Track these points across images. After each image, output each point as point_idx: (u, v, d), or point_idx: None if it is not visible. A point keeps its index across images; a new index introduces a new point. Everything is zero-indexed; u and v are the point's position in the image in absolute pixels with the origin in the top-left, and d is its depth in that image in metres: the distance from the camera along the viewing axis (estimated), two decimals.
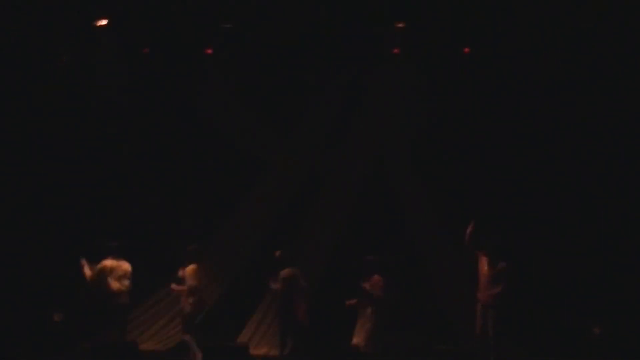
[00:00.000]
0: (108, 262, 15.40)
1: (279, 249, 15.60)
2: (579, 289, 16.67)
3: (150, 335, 17.22)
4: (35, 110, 17.39)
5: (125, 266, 15.49)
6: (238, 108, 17.91)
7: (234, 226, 17.75)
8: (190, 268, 15.37)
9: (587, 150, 16.94)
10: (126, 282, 15.44)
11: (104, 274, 15.33)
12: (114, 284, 15.34)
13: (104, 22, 17.15)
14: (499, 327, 14.82)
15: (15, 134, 17.37)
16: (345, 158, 17.86)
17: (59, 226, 17.31)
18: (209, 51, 17.63)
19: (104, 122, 17.78)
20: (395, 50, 17.47)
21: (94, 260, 15.48)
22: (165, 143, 17.95)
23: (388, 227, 17.50)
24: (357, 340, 15.30)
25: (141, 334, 17.15)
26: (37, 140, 17.45)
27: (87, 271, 15.35)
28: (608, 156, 16.88)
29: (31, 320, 16.76)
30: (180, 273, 15.46)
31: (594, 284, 16.62)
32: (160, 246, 17.00)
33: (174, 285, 15.56)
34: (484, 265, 14.98)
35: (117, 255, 15.45)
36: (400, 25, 17.12)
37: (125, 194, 17.80)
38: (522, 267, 16.75)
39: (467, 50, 17.28)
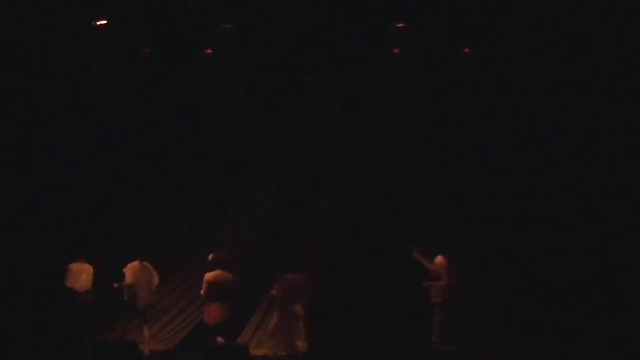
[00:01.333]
0: (74, 266, 16.62)
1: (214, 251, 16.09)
2: (579, 289, 16.67)
3: (150, 335, 17.18)
4: (35, 110, 17.37)
5: (89, 269, 16.60)
6: (238, 108, 17.90)
7: (234, 226, 17.72)
8: (129, 265, 16.25)
9: (587, 149, 16.93)
10: (89, 283, 16.52)
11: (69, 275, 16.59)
12: (78, 285, 16.52)
13: (103, 22, 17.17)
14: (447, 323, 15.48)
15: (15, 134, 17.35)
16: (345, 158, 17.85)
17: (58, 226, 17.30)
18: (209, 51, 17.64)
19: (103, 122, 17.75)
20: (395, 50, 17.48)
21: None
22: (165, 143, 17.94)
23: (388, 227, 17.49)
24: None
25: (141, 334, 17.11)
26: (38, 141, 17.43)
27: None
28: (608, 156, 16.87)
29: (31, 320, 16.75)
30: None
31: (594, 284, 16.62)
32: (160, 246, 16.98)
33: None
34: (425, 263, 15.87)
35: (84, 258, 16.62)
36: (400, 25, 17.13)
37: (124, 194, 17.78)
38: (522, 267, 16.83)
39: (467, 50, 17.30)
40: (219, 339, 15.65)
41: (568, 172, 16.99)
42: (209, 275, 15.66)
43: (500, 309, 16.75)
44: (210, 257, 15.88)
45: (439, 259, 15.88)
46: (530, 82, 17.06)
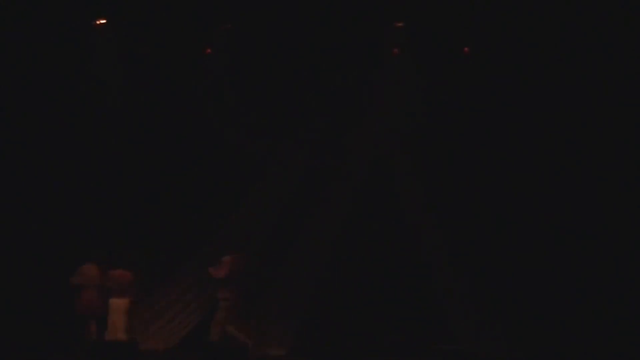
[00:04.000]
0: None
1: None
2: (579, 289, 16.67)
3: (150, 335, 17.22)
4: (34, 110, 17.38)
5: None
6: (238, 108, 17.91)
7: (234, 226, 17.74)
8: None
9: (587, 149, 16.94)
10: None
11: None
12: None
13: (103, 22, 17.18)
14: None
15: (15, 134, 17.37)
16: (345, 158, 17.85)
17: (59, 226, 17.32)
18: (209, 51, 17.65)
19: (103, 123, 17.75)
20: (395, 50, 17.49)
21: None
22: (165, 143, 17.94)
23: (388, 227, 17.50)
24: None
25: (141, 333, 17.15)
26: (37, 141, 17.44)
27: None
28: (608, 156, 16.88)
29: (32, 320, 16.76)
30: None
31: (594, 284, 16.62)
32: (159, 246, 16.99)
33: None
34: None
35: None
36: (400, 25, 17.14)
37: (124, 195, 17.78)
38: (522, 267, 16.84)
39: (467, 50, 17.30)
40: (92, 328, 16.40)
41: (568, 172, 16.99)
42: (82, 269, 16.40)
43: (500, 309, 16.75)
44: None
45: (226, 259, 16.30)
46: (530, 82, 17.06)
